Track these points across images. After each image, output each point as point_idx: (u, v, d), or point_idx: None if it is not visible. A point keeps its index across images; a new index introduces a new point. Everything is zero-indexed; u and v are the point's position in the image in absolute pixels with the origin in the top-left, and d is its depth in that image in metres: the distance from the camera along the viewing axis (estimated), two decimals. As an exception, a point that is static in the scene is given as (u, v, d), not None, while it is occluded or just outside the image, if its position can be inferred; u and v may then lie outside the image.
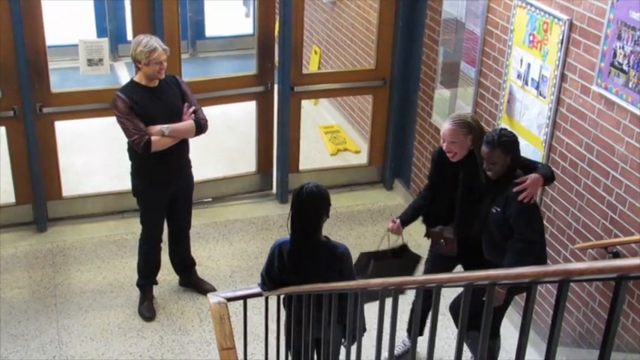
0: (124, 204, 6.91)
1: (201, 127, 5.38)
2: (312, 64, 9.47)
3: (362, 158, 8.04)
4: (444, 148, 4.63)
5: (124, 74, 10.33)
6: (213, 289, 5.77)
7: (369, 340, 3.13)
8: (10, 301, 5.89)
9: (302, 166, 7.51)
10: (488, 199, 4.37)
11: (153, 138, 5.21)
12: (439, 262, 5.09)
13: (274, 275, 4.10)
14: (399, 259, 4.99)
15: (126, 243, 6.62)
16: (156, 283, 5.90)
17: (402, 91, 7.25)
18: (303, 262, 4.04)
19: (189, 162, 5.62)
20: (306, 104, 7.90)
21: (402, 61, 7.14)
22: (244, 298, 4.21)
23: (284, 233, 6.74)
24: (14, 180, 6.73)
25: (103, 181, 7.39)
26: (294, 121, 7.21)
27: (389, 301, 2.68)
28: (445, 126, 4.59)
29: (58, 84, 6.78)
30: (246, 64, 7.61)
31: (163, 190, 5.49)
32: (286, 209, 7.07)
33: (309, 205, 4.00)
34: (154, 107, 5.26)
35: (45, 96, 6.47)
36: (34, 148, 6.52)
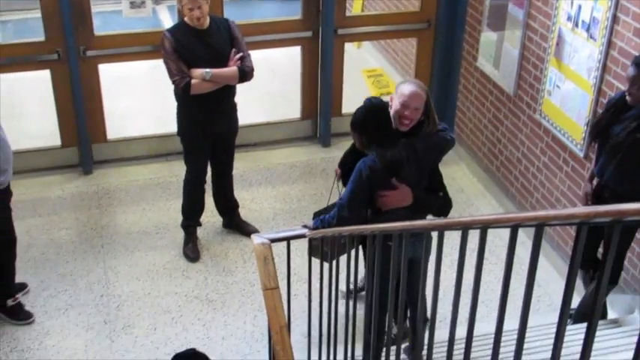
0: (168, 147, 6.96)
1: (245, 74, 5.34)
2: (355, 7, 9.34)
3: (405, 102, 7.95)
4: (406, 113, 4.06)
5: (165, 17, 10.31)
6: (256, 231, 5.82)
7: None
8: (59, 242, 6.00)
9: (345, 109, 7.46)
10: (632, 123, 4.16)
11: (193, 81, 5.21)
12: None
13: (364, 198, 4.10)
14: None
15: (170, 185, 6.68)
16: (200, 225, 5.96)
17: (447, 33, 7.12)
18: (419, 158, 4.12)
19: (233, 106, 5.62)
20: (349, 47, 7.81)
21: (448, 2, 7.00)
22: (288, 239, 4.23)
23: (327, 177, 6.80)
24: (60, 123, 6.81)
25: (147, 124, 7.43)
26: (337, 64, 7.14)
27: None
28: (410, 90, 4.07)
29: (100, 27, 6.78)
30: (291, 9, 7.52)
31: (206, 132, 5.51)
32: (329, 153, 7.17)
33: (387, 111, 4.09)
34: (199, 50, 5.24)
35: (88, 39, 6.49)
36: (78, 91, 6.57)
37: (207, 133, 5.52)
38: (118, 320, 5.24)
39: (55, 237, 6.07)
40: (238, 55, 5.32)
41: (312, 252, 4.43)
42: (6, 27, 10.86)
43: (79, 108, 6.64)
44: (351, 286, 4.16)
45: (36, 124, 7.46)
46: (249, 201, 6.45)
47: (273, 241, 4.16)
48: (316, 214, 4.78)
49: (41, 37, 6.46)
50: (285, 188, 6.64)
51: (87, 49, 6.49)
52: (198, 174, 5.75)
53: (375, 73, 8.88)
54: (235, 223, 6.11)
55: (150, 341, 5.06)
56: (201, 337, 5.09)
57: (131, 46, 6.66)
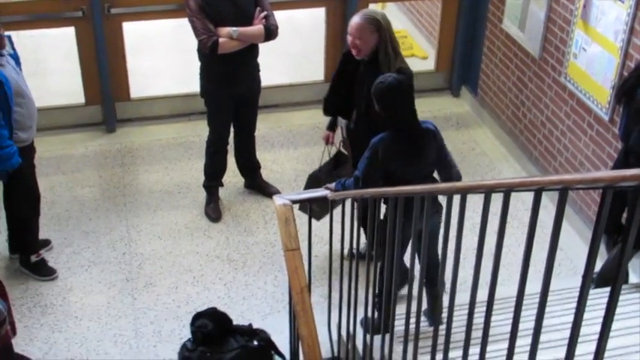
0: (191, 106, 6.96)
1: (270, 32, 5.32)
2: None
3: (429, 64, 7.90)
4: (350, 41, 4.47)
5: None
6: (277, 192, 5.83)
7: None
8: (82, 199, 6.05)
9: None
10: None
11: (220, 40, 5.19)
12: None
13: (378, 175, 4.11)
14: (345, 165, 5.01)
15: (192, 145, 6.69)
16: (221, 185, 5.98)
17: (473, -6, 7.04)
18: (423, 147, 4.13)
19: (256, 66, 5.59)
20: (374, 8, 7.72)
21: (474, -37, 6.91)
22: (309, 201, 4.24)
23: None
24: (83, 81, 6.82)
25: (170, 83, 7.43)
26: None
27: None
28: (353, 20, 4.44)
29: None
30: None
31: (229, 93, 5.50)
32: (351, 115, 7.12)
33: (410, 90, 4.05)
34: (224, 8, 5.21)
35: (113, -4, 6.48)
36: (102, 49, 6.57)
37: (231, 94, 5.51)
38: (139, 278, 5.29)
39: (79, 194, 6.11)
40: (263, 14, 5.29)
41: (300, 208, 4.76)
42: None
43: (103, 66, 6.65)
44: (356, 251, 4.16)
45: (60, 81, 7.47)
46: (270, 162, 6.45)
47: (295, 202, 4.17)
48: (311, 177, 5.09)
49: (66, -6, 6.46)
50: (306, 150, 6.63)
51: (111, 7, 6.48)
52: (221, 135, 5.75)
53: (400, 34, 8.79)
54: (257, 184, 6.12)
55: (171, 299, 5.11)
56: (222, 297, 5.13)
57: (155, 5, 6.63)
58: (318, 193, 4.35)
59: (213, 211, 5.86)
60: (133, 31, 7.05)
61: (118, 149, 6.67)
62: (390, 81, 3.98)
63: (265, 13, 5.30)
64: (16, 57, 4.85)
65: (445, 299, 3.71)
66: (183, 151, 6.64)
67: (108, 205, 6.00)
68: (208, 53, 5.22)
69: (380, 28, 4.37)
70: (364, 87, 4.44)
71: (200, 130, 6.79)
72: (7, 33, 4.84)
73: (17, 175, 4.80)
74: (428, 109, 7.24)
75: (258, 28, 5.27)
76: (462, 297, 2.83)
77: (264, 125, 6.71)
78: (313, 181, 5.11)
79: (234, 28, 5.18)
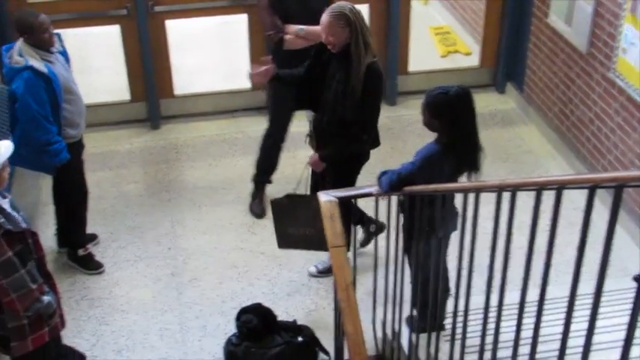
0: (235, 103, 7.00)
1: None
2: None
3: (473, 60, 7.83)
4: (324, 39, 4.46)
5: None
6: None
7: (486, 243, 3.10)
8: (127, 195, 6.11)
9: (411, 68, 7.38)
10: None
11: (287, 36, 5.24)
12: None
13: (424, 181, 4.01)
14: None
15: (237, 142, 6.72)
16: (270, 182, 5.97)
17: (518, -11, 6.97)
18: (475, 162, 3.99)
19: None
20: (416, 4, 7.69)
21: (520, -43, 6.83)
22: (354, 197, 4.22)
23: (393, 136, 6.75)
24: (129, 78, 6.89)
25: (214, 80, 7.46)
26: (403, 21, 7.04)
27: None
28: (323, 17, 4.43)
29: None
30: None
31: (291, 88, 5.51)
32: (393, 112, 7.11)
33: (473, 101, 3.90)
34: (294, 6, 5.25)
35: (157, -6, 6.54)
36: (146, 46, 6.63)
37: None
38: (184, 273, 5.33)
39: (124, 190, 6.18)
40: None
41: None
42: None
43: (148, 63, 6.71)
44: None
45: (105, 78, 7.55)
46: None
47: (341, 199, 4.15)
48: (280, 201, 4.92)
49: (111, -7, 6.54)
50: (350, 146, 6.60)
51: (155, 5, 6.53)
52: (279, 129, 5.76)
53: (442, 30, 8.75)
54: None
55: (216, 294, 5.14)
56: (266, 293, 5.14)
57: (199, 2, 6.67)
58: (362, 189, 4.33)
59: (258, 206, 5.87)
60: (177, 28, 7.09)
61: (162, 146, 6.72)
62: (456, 91, 3.78)
63: None
64: (65, 54, 4.92)
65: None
66: (228, 147, 6.67)
67: (153, 200, 6.05)
68: (274, 49, 5.30)
69: (349, 22, 4.34)
70: (334, 80, 4.49)
71: (244, 127, 6.83)
72: (56, 31, 4.90)
73: (66, 170, 4.88)
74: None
75: None
76: (511, 297, 2.79)
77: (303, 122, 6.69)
78: (277, 207, 4.98)
79: (302, 27, 5.21)
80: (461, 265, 3.20)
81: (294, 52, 5.25)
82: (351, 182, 4.84)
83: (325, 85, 4.57)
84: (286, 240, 4.95)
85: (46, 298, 3.61)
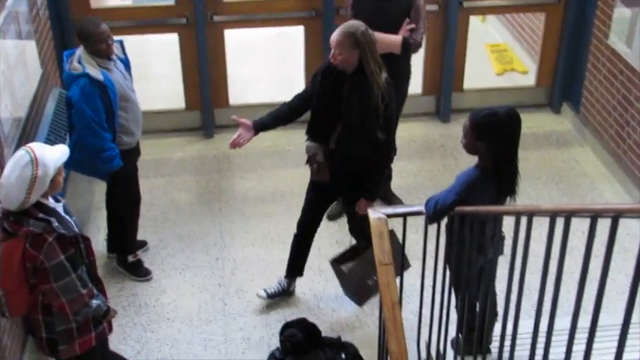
0: (287, 115, 6.99)
1: (408, 46, 5.27)
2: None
3: (529, 79, 7.74)
4: (330, 55, 4.38)
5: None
6: (400, 203, 5.91)
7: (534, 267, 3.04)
8: (178, 203, 6.16)
9: (466, 85, 7.32)
10: None
11: None
12: (315, 191, 4.89)
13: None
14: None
15: (288, 154, 6.73)
16: None
17: (578, 8, 6.85)
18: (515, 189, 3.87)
19: (403, 75, 5.53)
20: (474, 21, 7.63)
21: (580, -24, 6.74)
22: (404, 215, 4.17)
23: (444, 153, 6.70)
24: (185, 86, 6.96)
25: (268, 91, 7.49)
26: (461, 38, 7.00)
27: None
28: (333, 34, 4.36)
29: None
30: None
31: None
32: (449, 129, 7.06)
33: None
34: (373, 11, 5.25)
35: (216, 4, 6.59)
36: (204, 55, 6.69)
37: None
38: (231, 284, 5.34)
39: (176, 198, 6.23)
40: (409, 26, 5.27)
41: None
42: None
43: (204, 72, 6.77)
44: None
45: (162, 86, 7.64)
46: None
47: (390, 216, 4.12)
48: (335, 262, 4.86)
49: (171, 2, 6.61)
50: (401, 163, 6.56)
51: (214, 14, 6.59)
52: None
53: (499, 48, 8.67)
54: (384, 194, 6.02)
55: (261, 307, 5.14)
56: (311, 307, 5.13)
57: (257, 13, 6.72)
58: (413, 208, 4.29)
59: (333, 211, 5.88)
60: (234, 38, 7.14)
61: (214, 155, 6.77)
62: (506, 112, 3.66)
63: (412, 25, 5.27)
64: (126, 62, 4.98)
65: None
66: (279, 159, 6.68)
67: (203, 209, 6.09)
68: None
69: (358, 42, 4.29)
70: (354, 101, 4.38)
71: (296, 139, 6.81)
72: (119, 38, 4.98)
73: (119, 176, 4.94)
74: (527, 125, 7.00)
75: (396, 38, 5.25)
76: (560, 323, 2.74)
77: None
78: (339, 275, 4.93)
79: (372, 33, 5.21)
80: (510, 289, 3.15)
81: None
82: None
83: (344, 109, 4.43)
84: (367, 293, 4.83)
85: (95, 302, 3.66)
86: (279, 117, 4.74)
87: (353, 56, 4.32)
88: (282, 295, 5.15)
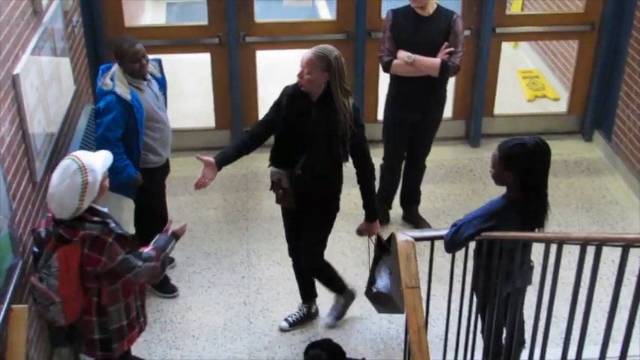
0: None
1: (447, 69, 5.33)
2: (514, 5, 9.11)
3: (561, 106, 7.71)
4: (297, 74, 4.31)
5: (323, 8, 10.41)
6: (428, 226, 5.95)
7: (562, 294, 3.02)
8: (206, 221, 6.19)
9: (497, 110, 7.30)
10: None
11: (395, 61, 5.34)
12: (287, 216, 4.88)
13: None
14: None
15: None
16: (390, 208, 6.13)
17: (612, 37, 6.82)
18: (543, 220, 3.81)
19: (439, 98, 5.63)
20: (506, 47, 7.62)
21: (614, 4, 6.70)
22: (432, 239, 4.16)
23: (474, 178, 6.68)
24: (215, 105, 7.01)
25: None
26: (492, 63, 6.99)
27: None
28: (306, 53, 4.27)
29: (260, 14, 6.91)
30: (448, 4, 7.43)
31: (405, 117, 5.59)
32: (478, 154, 7.04)
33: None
34: (412, 33, 5.35)
35: (249, 25, 6.65)
36: (235, 75, 6.74)
37: (407, 118, 5.60)
38: (257, 303, 5.34)
39: (203, 216, 6.26)
40: (448, 50, 5.32)
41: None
42: (172, 9, 11.30)
43: (235, 92, 6.82)
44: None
45: (193, 104, 7.70)
46: (395, 198, 6.40)
47: (417, 239, 4.11)
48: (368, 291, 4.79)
49: (204, 22, 6.68)
50: (430, 187, 6.55)
51: (246, 35, 6.65)
52: (390, 157, 5.88)
53: (531, 74, 8.64)
54: (411, 217, 6.13)
55: (291, 331, 5.12)
56: (336, 328, 5.11)
57: (288, 35, 6.77)
58: (440, 231, 4.27)
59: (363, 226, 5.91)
60: (264, 59, 7.18)
61: (243, 174, 6.79)
62: (535, 142, 3.62)
63: (451, 49, 5.32)
64: (162, 81, 5.03)
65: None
66: (307, 179, 6.68)
67: (230, 227, 6.10)
68: (383, 70, 5.48)
69: (329, 66, 4.20)
70: (321, 126, 4.32)
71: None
72: (157, 57, 5.03)
73: (146, 194, 4.99)
74: (557, 152, 6.97)
75: (435, 60, 5.31)
76: (588, 352, 2.71)
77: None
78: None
79: (411, 55, 5.26)
80: (538, 316, 3.12)
81: (410, 80, 5.39)
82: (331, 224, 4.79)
83: (311, 133, 4.37)
84: (398, 306, 4.64)
85: (162, 240, 3.86)
86: (240, 147, 4.64)
87: (321, 78, 4.24)
88: (304, 321, 5.14)
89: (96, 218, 3.50)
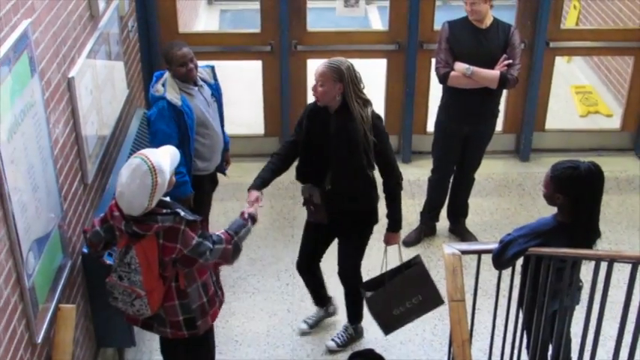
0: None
1: (506, 81, 5.31)
2: (569, 20, 9.01)
3: (614, 122, 7.59)
4: (312, 88, 4.36)
5: (375, 18, 10.42)
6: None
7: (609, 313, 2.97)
8: (252, 227, 6.19)
9: (548, 125, 7.22)
10: None
11: (452, 73, 5.32)
12: (311, 231, 4.89)
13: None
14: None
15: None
16: (437, 220, 6.12)
17: (669, 53, 6.71)
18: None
19: (493, 111, 5.62)
20: (559, 61, 7.54)
21: (673, 21, 6.60)
22: (479, 252, 4.12)
23: (523, 192, 6.61)
24: (265, 113, 7.04)
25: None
26: (545, 77, 6.91)
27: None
28: (318, 67, 4.33)
29: (312, 23, 6.93)
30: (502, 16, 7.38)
31: (459, 128, 5.57)
32: (527, 168, 6.97)
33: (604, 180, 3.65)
34: (469, 46, 5.34)
35: (301, 34, 6.68)
36: (286, 83, 6.78)
37: (460, 130, 5.58)
38: (300, 311, 5.35)
39: (249, 222, 6.27)
40: (506, 62, 5.30)
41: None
42: (225, 16, 11.41)
43: (285, 100, 6.85)
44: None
45: (243, 111, 7.75)
46: (443, 210, 6.36)
47: (464, 252, 4.08)
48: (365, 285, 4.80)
49: (257, 29, 6.73)
50: (478, 200, 6.49)
51: (298, 44, 6.68)
52: (441, 168, 5.85)
53: (584, 89, 8.53)
54: (458, 230, 6.10)
55: (329, 335, 5.13)
56: (379, 339, 5.08)
57: (339, 44, 6.77)
58: (488, 245, 4.23)
59: (410, 236, 6.00)
60: (313, 67, 7.19)
61: (290, 181, 6.46)
62: (587, 167, 3.59)
63: (509, 61, 5.30)
64: (215, 88, 5.06)
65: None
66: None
67: (276, 235, 6.13)
68: (440, 82, 5.44)
69: (342, 77, 4.24)
70: (342, 137, 4.33)
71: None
72: (210, 64, 5.07)
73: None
74: (609, 169, 6.86)
75: (494, 73, 5.30)
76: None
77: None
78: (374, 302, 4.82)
79: (469, 67, 5.25)
80: (585, 335, 3.07)
81: (466, 92, 5.36)
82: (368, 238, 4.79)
83: (333, 147, 4.39)
84: (393, 323, 4.79)
85: (238, 223, 3.98)
86: (275, 171, 4.68)
87: (335, 90, 4.27)
88: (322, 320, 5.24)
89: (165, 210, 3.58)
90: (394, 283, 4.67)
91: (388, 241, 4.75)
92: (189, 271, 3.72)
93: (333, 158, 4.42)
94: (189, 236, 3.58)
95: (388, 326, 4.81)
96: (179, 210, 3.60)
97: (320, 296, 5.19)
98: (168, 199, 3.76)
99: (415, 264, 4.72)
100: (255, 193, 4.51)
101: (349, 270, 4.85)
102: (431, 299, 4.69)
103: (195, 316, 3.85)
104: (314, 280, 5.13)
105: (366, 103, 4.37)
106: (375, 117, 4.40)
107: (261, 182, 4.63)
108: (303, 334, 5.17)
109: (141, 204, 3.48)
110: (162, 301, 3.75)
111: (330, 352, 5.04)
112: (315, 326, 5.21)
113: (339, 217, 4.64)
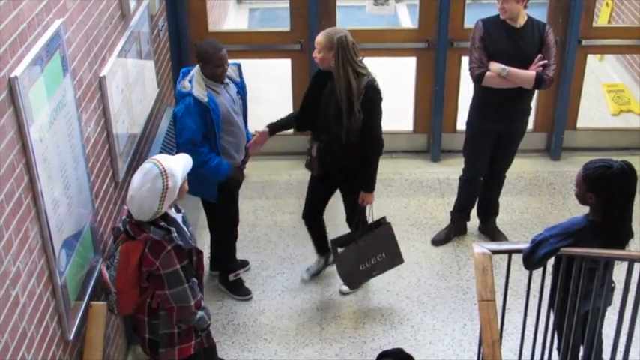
0: (395, 145, 6.97)
1: (542, 81, 5.27)
2: (601, 17, 8.92)
3: (646, 121, 7.51)
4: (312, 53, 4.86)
5: (404, 16, 10.39)
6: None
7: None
8: (281, 225, 6.23)
9: (579, 123, 7.15)
10: None
11: (488, 73, 5.28)
12: (313, 182, 5.41)
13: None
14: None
15: (392, 183, 6.73)
16: (468, 219, 6.11)
17: (703, 51, 6.61)
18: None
19: (526, 110, 5.58)
20: (591, 60, 7.46)
21: None
22: (509, 252, 4.10)
23: (553, 191, 6.56)
24: (294, 111, 7.01)
25: (400, 119, 7.31)
26: (577, 75, 6.84)
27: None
28: (318, 35, 4.82)
29: (342, 21, 6.91)
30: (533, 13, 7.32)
31: (490, 127, 5.53)
32: (558, 167, 6.92)
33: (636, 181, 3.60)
34: (504, 45, 5.29)
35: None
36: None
37: (493, 129, 5.54)
38: (329, 309, 5.35)
39: (278, 220, 6.30)
40: (542, 62, 5.26)
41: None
42: (254, 15, 11.44)
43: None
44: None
45: (270, 109, 7.73)
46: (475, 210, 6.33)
47: (495, 252, 4.06)
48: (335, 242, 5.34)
49: (286, 28, 6.73)
50: (508, 199, 6.45)
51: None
52: (472, 166, 5.82)
53: (616, 88, 8.44)
54: (488, 230, 6.06)
55: (358, 334, 5.13)
56: (408, 338, 5.08)
57: (370, 42, 6.74)
58: (518, 244, 4.21)
59: (440, 235, 6.03)
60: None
61: (319, 180, 6.80)
62: (620, 167, 3.55)
63: (545, 61, 5.26)
64: (241, 85, 5.08)
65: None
66: (382, 187, 6.64)
67: (305, 233, 6.08)
68: (474, 82, 5.41)
69: (332, 47, 4.63)
70: (331, 99, 4.77)
71: (401, 169, 6.85)
72: (236, 61, 5.09)
73: (219, 196, 5.02)
74: (636, 169, 6.86)
75: (529, 73, 5.26)
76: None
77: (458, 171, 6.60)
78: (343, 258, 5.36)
79: (505, 67, 5.22)
80: (618, 336, 3.04)
81: (499, 91, 5.33)
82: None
83: (324, 106, 4.88)
84: (358, 279, 5.35)
85: (200, 313, 3.77)
86: (291, 118, 5.26)
87: (329, 57, 4.69)
88: (323, 269, 5.62)
89: (162, 223, 3.57)
90: (365, 239, 5.22)
91: (363, 200, 5.11)
92: (165, 298, 3.64)
93: (321, 117, 4.90)
94: (171, 259, 3.55)
95: (353, 282, 5.35)
96: (173, 230, 3.56)
97: (322, 244, 5.56)
98: (180, 218, 3.76)
99: (383, 224, 5.28)
100: (264, 132, 5.17)
101: (354, 214, 5.28)
102: (393, 257, 5.30)
103: (159, 341, 3.79)
104: (317, 229, 5.57)
105: (360, 75, 4.68)
106: (369, 87, 4.69)
107: (274, 126, 5.24)
108: (303, 281, 5.57)
109: (151, 207, 3.49)
110: (132, 309, 3.76)
111: (303, 281, 5.58)
112: (315, 275, 5.58)
113: (334, 171, 5.08)
